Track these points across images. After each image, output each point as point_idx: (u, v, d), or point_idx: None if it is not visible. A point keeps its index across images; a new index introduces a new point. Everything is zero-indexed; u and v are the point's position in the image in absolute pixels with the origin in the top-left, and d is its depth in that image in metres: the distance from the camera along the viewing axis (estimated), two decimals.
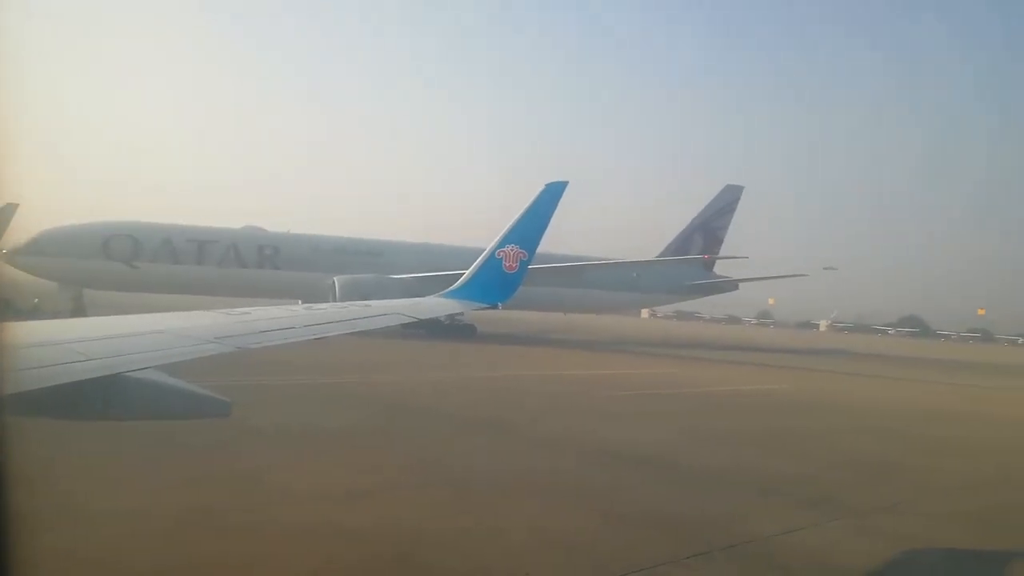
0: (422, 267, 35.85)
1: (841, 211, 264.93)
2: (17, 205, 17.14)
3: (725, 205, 49.28)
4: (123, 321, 4.99)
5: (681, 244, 47.86)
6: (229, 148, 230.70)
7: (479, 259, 9.10)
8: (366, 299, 9.16)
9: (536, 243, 9.69)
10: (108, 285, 33.49)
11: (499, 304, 10.39)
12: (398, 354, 27.62)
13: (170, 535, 6.55)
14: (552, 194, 9.78)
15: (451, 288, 8.91)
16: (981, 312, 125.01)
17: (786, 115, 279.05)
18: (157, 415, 4.88)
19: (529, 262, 9.60)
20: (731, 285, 49.15)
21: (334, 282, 33.63)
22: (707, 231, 48.52)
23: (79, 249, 32.99)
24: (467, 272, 9.08)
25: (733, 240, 49.33)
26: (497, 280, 9.20)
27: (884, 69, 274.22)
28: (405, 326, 28.28)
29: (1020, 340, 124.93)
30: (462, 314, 37.63)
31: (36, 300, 35.04)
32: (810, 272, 49.09)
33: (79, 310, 30.69)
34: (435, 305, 8.65)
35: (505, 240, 9.19)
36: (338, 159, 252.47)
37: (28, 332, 4.06)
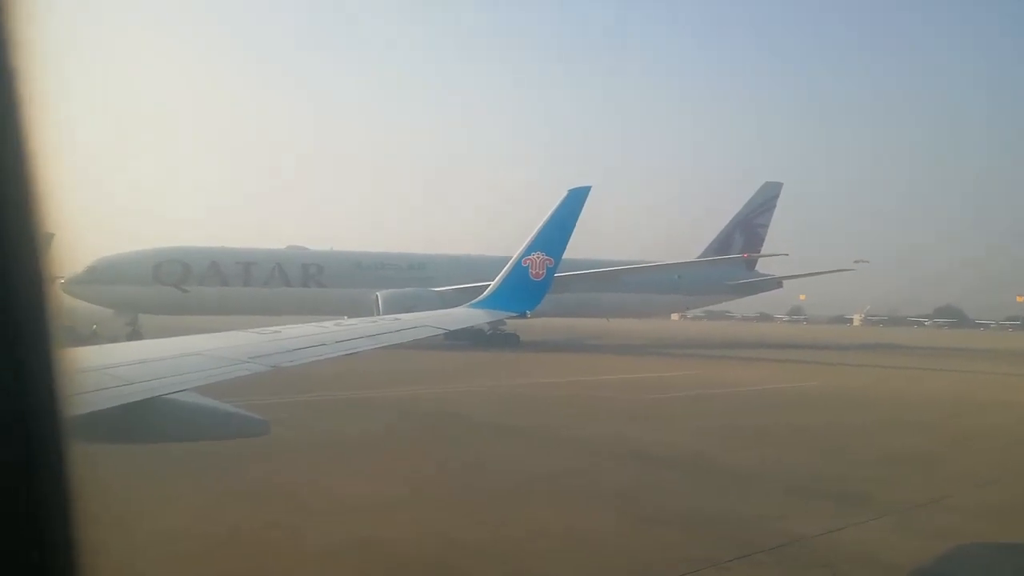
0: (464, 279, 36.18)
1: (871, 204, 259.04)
2: (53, 234, 17.52)
3: (765, 202, 48.69)
4: (160, 345, 5.13)
5: (722, 243, 47.42)
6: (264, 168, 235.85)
7: (505, 268, 9.24)
8: (409, 312, 9.43)
9: (562, 249, 9.75)
10: (161, 309, 34.62)
11: (527, 312, 10.54)
12: (447, 364, 27.97)
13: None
14: (575, 200, 9.83)
15: (479, 298, 9.09)
16: (1020, 299, 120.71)
17: (813, 111, 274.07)
18: (195, 436, 4.87)
19: (556, 269, 9.68)
20: (774, 283, 48.45)
21: (377, 297, 34.20)
22: (747, 229, 47.98)
23: (132, 276, 34.21)
24: (494, 282, 9.24)
25: (770, 237, 48.69)
26: (524, 288, 9.31)
27: (901, 61, 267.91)
28: (449, 338, 28.57)
29: None
30: (504, 323, 38.12)
31: (95, 326, 36.48)
32: (851, 267, 48.31)
33: (135, 335, 31.79)
34: (465, 316, 8.84)
35: (530, 248, 9.28)
36: (381, 173, 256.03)
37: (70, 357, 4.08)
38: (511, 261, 9.23)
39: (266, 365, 4.68)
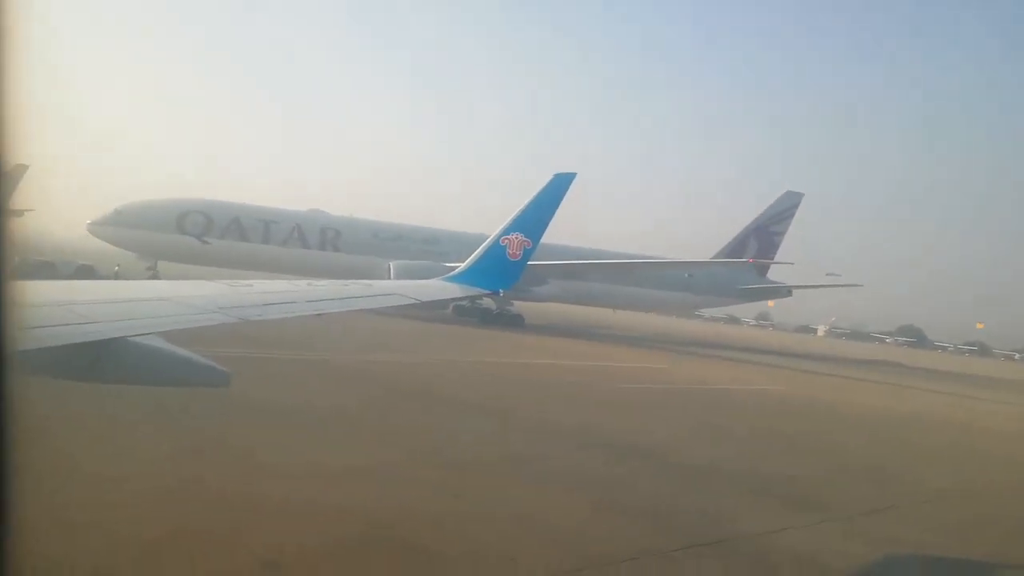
0: None
1: (861, 216, 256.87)
2: (27, 167, 17.80)
3: (784, 211, 48.68)
4: (130, 286, 5.13)
5: (736, 247, 47.53)
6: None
7: (483, 245, 9.41)
8: None
9: (541, 232, 9.78)
10: (181, 258, 35.68)
11: (501, 291, 10.90)
12: (435, 335, 28.72)
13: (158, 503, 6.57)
14: (560, 185, 9.90)
15: (454, 272, 9.46)
16: (980, 326, 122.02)
17: (830, 120, 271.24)
18: (156, 381, 4.85)
19: (533, 251, 9.85)
20: (784, 291, 48.62)
21: (390, 266, 34.98)
22: (763, 236, 48.03)
23: (155, 223, 35.26)
24: (471, 258, 9.60)
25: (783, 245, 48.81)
26: (500, 267, 9.48)
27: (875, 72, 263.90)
28: (458, 314, 29.50)
29: (1017, 356, 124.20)
30: (511, 304, 38.81)
31: (117, 268, 37.75)
32: (856, 282, 48.65)
33: (154, 280, 32.91)
34: (438, 289, 9.24)
35: (510, 228, 9.42)
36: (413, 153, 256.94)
37: (35, 291, 4.01)
38: (489, 239, 9.40)
39: (234, 317, 4.62)
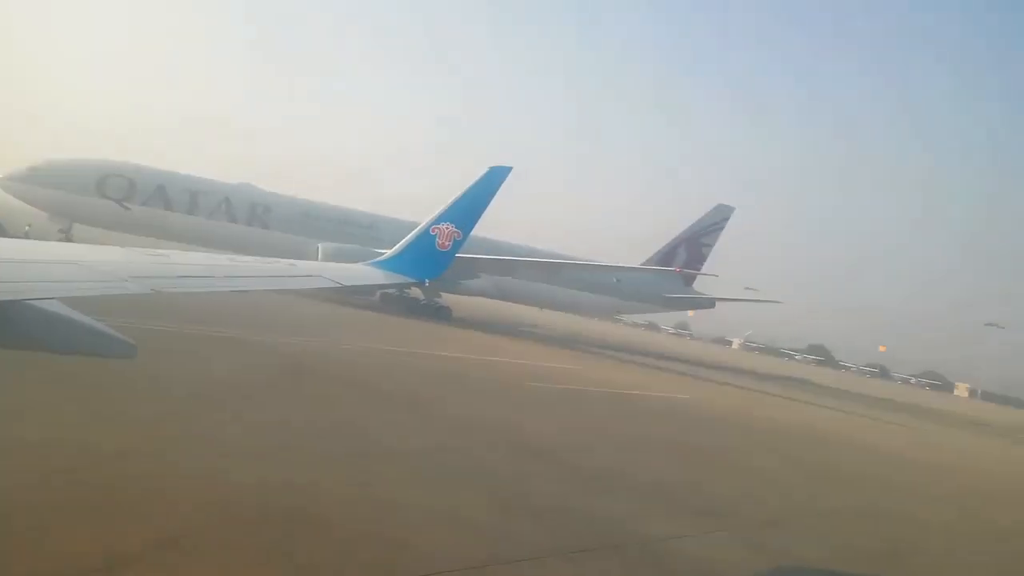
0: None
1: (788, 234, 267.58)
2: None
3: (714, 224, 49.95)
4: (37, 247, 4.85)
5: (666, 256, 48.52)
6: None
7: (412, 233, 9.26)
8: None
9: (472, 224, 9.65)
10: (98, 222, 34.14)
11: (427, 281, 10.78)
12: (354, 321, 28.41)
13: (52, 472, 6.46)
14: (494, 178, 9.80)
15: (381, 258, 9.31)
16: (883, 349, 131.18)
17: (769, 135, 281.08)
18: (56, 348, 4.57)
19: (463, 242, 9.74)
20: (708, 302, 49.90)
21: (318, 248, 34.32)
22: (692, 247, 49.16)
23: (73, 183, 33.61)
24: (399, 245, 9.43)
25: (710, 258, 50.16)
26: (428, 256, 9.31)
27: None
28: (385, 302, 28.92)
29: (913, 380, 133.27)
30: (439, 296, 38.63)
31: (28, 227, 35.83)
32: (777, 299, 50.64)
33: (66, 243, 31.38)
34: (362, 273, 9.06)
35: (441, 218, 9.27)
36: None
37: None
38: (419, 227, 9.24)
39: (146, 287, 4.40)
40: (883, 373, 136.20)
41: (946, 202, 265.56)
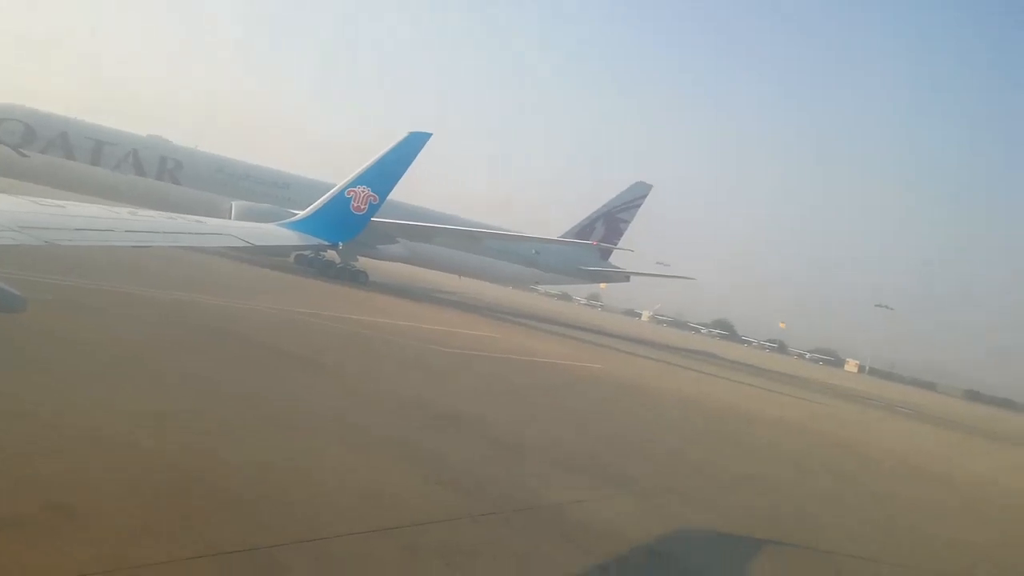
0: None
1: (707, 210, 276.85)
2: None
3: (632, 200, 51.08)
4: None
5: (583, 230, 49.40)
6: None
7: (327, 194, 9.17)
8: None
9: (389, 189, 9.56)
10: None
11: (340, 243, 10.66)
12: (268, 283, 27.91)
13: None
14: (413, 143, 9.74)
15: (293, 219, 9.18)
16: (783, 326, 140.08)
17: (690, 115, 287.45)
18: None
19: (379, 206, 9.53)
20: (623, 276, 51.28)
21: (232, 206, 33.35)
22: (610, 222, 50.20)
23: None
24: (313, 205, 9.31)
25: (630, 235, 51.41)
26: (342, 218, 9.22)
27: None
28: (300, 264, 28.21)
29: (807, 355, 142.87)
30: (356, 260, 38.21)
31: None
32: (689, 276, 52.80)
33: None
34: (274, 233, 8.90)
35: (358, 180, 9.18)
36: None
37: None
38: (335, 189, 9.16)
39: (39, 239, 4.21)
40: (781, 348, 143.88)
41: (859, 184, 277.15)
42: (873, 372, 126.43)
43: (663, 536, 8.08)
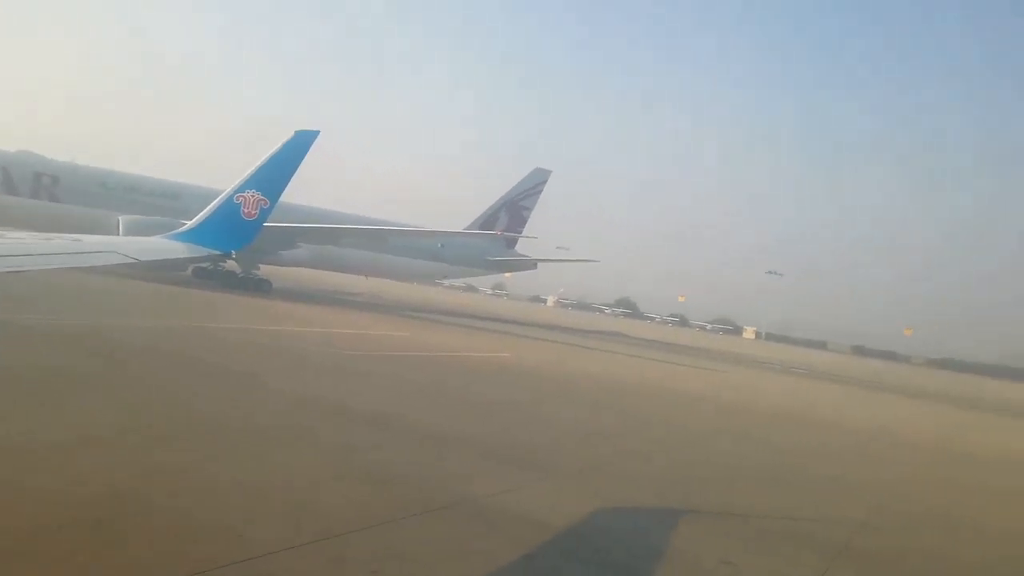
0: None
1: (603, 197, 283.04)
2: None
3: (533, 187, 51.86)
4: None
5: (487, 220, 49.81)
6: None
7: (215, 202, 8.92)
8: None
9: (280, 191, 9.28)
10: None
11: (233, 252, 10.40)
12: (161, 299, 26.98)
13: None
14: (301, 142, 9.41)
15: (181, 230, 8.90)
16: (682, 299, 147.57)
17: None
18: None
19: (270, 210, 9.15)
20: (531, 264, 52.08)
21: (119, 221, 31.95)
22: (513, 210, 50.83)
23: None
24: (200, 214, 9.06)
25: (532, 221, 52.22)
26: (233, 226, 8.96)
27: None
28: (198, 276, 26.90)
29: (708, 327, 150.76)
30: (258, 268, 37.28)
31: None
32: (593, 259, 54.16)
33: None
34: (161, 247, 8.62)
35: (246, 185, 8.93)
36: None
37: None
38: (222, 195, 8.88)
39: None
40: (683, 321, 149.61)
41: (744, 154, 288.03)
42: (770, 337, 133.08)
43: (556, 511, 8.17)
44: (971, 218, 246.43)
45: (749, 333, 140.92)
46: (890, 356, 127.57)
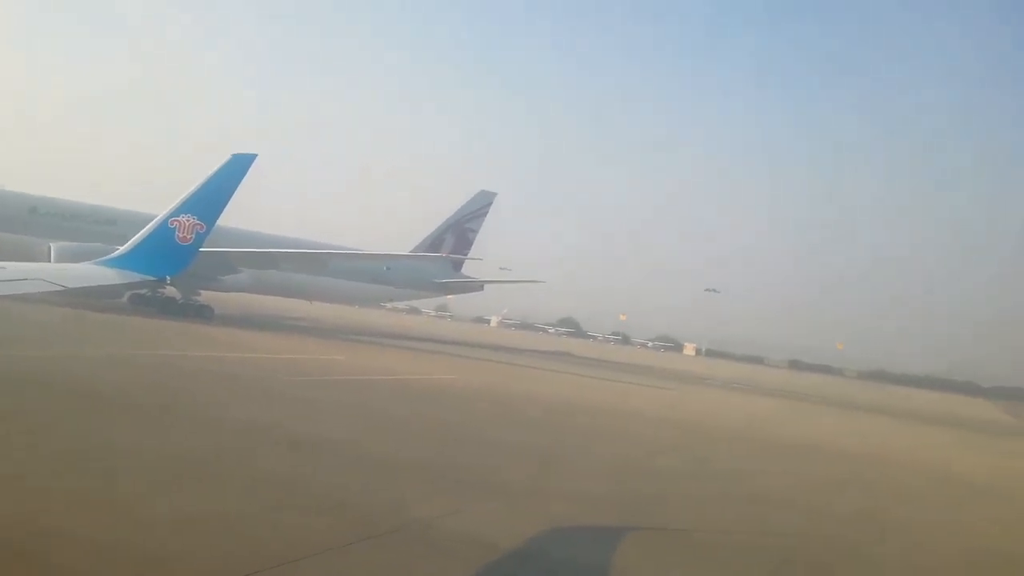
0: None
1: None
2: None
3: (478, 209, 51.99)
4: None
5: (433, 243, 49.70)
6: None
7: (148, 226, 8.76)
8: None
9: (216, 215, 9.15)
10: None
11: (168, 278, 10.07)
12: (93, 328, 26.14)
13: None
14: (238, 166, 9.28)
15: (112, 255, 8.61)
16: (623, 318, 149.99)
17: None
18: None
19: (207, 235, 9.05)
20: (477, 285, 52.08)
21: (50, 248, 30.92)
22: (459, 232, 50.85)
23: None
24: (133, 239, 8.67)
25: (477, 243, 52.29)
26: (167, 251, 8.78)
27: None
28: (135, 303, 25.94)
29: (649, 344, 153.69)
30: (199, 294, 36.39)
31: None
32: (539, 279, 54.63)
33: None
34: (90, 273, 8.37)
35: (180, 209, 8.75)
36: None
37: None
38: (156, 220, 8.70)
39: None
40: (625, 340, 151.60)
41: (681, 171, 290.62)
42: (710, 352, 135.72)
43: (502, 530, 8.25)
44: (886, 242, 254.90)
45: (689, 349, 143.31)
46: (825, 369, 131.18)
